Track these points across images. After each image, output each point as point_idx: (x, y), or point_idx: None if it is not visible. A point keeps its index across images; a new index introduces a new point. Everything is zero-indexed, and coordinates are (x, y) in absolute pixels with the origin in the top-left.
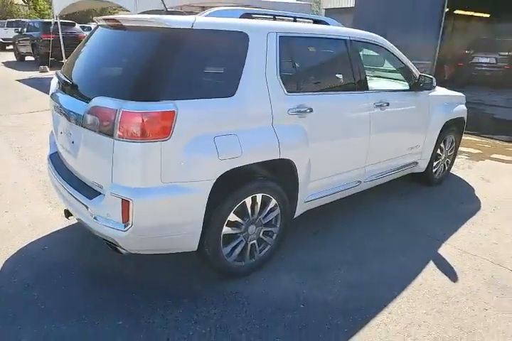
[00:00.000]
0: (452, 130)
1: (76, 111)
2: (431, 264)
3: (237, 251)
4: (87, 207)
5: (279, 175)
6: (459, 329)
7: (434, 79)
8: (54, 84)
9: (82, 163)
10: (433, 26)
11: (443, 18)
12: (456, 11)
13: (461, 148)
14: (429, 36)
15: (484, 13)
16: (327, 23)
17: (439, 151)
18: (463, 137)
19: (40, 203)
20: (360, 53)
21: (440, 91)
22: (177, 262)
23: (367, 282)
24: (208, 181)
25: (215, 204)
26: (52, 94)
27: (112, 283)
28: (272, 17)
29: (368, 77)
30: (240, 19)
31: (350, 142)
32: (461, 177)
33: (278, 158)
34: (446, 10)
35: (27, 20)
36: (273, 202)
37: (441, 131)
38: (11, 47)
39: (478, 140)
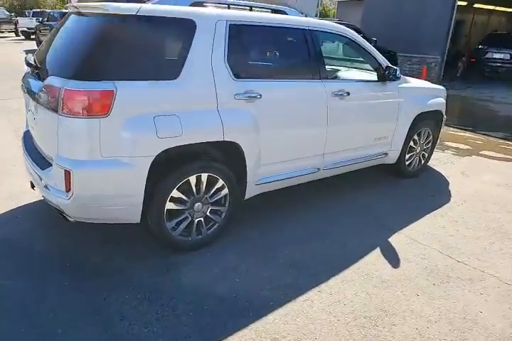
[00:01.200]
0: (427, 123)
1: (35, 90)
2: (376, 251)
3: (183, 226)
4: (40, 178)
5: (227, 156)
6: (382, 311)
7: (398, 70)
8: (26, 67)
9: (40, 138)
10: (444, 20)
11: (454, 12)
12: (476, 5)
13: (450, 144)
14: (439, 30)
15: (509, 7)
16: (286, 13)
17: (412, 144)
18: (457, 133)
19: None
20: (320, 43)
21: (414, 83)
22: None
23: (308, 262)
24: (147, 157)
25: (158, 179)
26: (23, 76)
27: (66, 248)
28: (227, 6)
29: (330, 67)
30: (188, 7)
31: (304, 129)
32: (440, 171)
33: (222, 140)
34: (464, 3)
35: (49, 10)
36: (220, 182)
37: (414, 123)
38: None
39: (471, 136)
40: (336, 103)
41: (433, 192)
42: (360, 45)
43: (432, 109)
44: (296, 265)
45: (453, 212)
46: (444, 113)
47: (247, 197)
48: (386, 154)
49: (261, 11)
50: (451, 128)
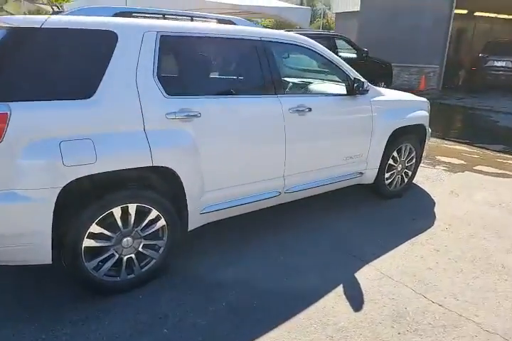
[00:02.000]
0: (408, 138)
1: None
2: (339, 289)
3: (108, 265)
4: None
5: (161, 184)
6: None
7: (365, 83)
8: None
9: None
10: (441, 29)
11: (451, 20)
12: (477, 13)
13: (442, 158)
14: (436, 39)
15: (511, 14)
16: (234, 23)
17: (391, 161)
18: (452, 146)
19: None
20: (275, 54)
21: (391, 95)
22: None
23: (256, 305)
24: (51, 189)
25: (71, 214)
26: None
27: None
28: (162, 16)
29: (292, 80)
30: (108, 18)
31: (257, 150)
32: (427, 190)
33: (150, 165)
34: (464, 12)
35: None
36: (154, 213)
37: (392, 140)
38: None
39: (467, 149)
40: (295, 120)
41: (416, 214)
42: (323, 56)
43: (412, 123)
44: (241, 309)
45: (435, 238)
46: (427, 127)
47: (191, 228)
48: (361, 174)
49: (205, 21)
50: (446, 141)
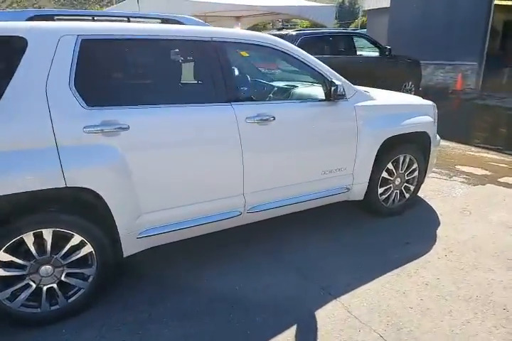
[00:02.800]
0: (407, 148)
1: None
2: (289, 331)
3: (24, 295)
4: None
5: (84, 206)
6: None
7: (339, 87)
8: None
9: None
10: (479, 22)
11: (491, 12)
12: None
13: (463, 168)
14: (474, 33)
15: None
16: (181, 23)
17: (386, 175)
18: (477, 154)
19: None
20: (229, 57)
21: (384, 99)
22: None
23: None
24: None
25: None
26: None
27: None
28: (91, 18)
29: (257, 85)
30: (19, 22)
31: (204, 166)
32: (434, 207)
33: (64, 186)
34: (504, 3)
35: None
36: (77, 238)
37: (385, 150)
38: None
39: (495, 157)
40: (255, 131)
41: (412, 237)
42: (296, 58)
43: (409, 131)
44: None
45: (428, 268)
46: (432, 134)
47: (129, 253)
48: (348, 189)
49: (146, 22)
50: (473, 148)
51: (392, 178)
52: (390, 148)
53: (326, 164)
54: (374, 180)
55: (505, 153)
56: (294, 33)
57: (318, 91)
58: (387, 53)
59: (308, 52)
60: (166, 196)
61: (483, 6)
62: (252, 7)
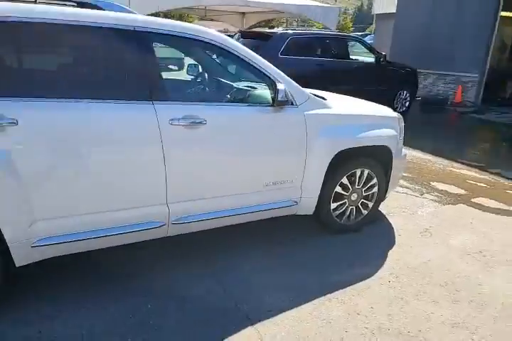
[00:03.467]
0: (365, 162)
1: None
2: None
3: None
4: None
5: None
6: None
7: (280, 91)
8: None
9: None
10: (483, 33)
11: (496, 24)
12: None
13: (438, 185)
14: (477, 46)
15: None
16: (100, 8)
17: (340, 189)
18: (459, 170)
19: None
20: (154, 49)
21: (340, 107)
22: None
23: None
24: None
25: None
26: None
27: None
28: None
29: (194, 84)
30: None
31: (114, 170)
32: (395, 225)
33: None
34: (511, 14)
35: None
36: None
37: (339, 163)
38: None
39: (476, 175)
40: (180, 134)
41: (359, 258)
42: (236, 55)
43: (367, 144)
44: None
45: (364, 296)
46: (394, 148)
47: (22, 263)
48: (296, 202)
49: (59, 5)
50: (455, 164)
51: (347, 193)
52: (344, 162)
53: (269, 175)
54: (326, 195)
55: (488, 172)
56: (282, 31)
57: (259, 95)
58: (381, 59)
59: (296, 53)
60: (66, 202)
61: (489, 17)
62: (246, 2)
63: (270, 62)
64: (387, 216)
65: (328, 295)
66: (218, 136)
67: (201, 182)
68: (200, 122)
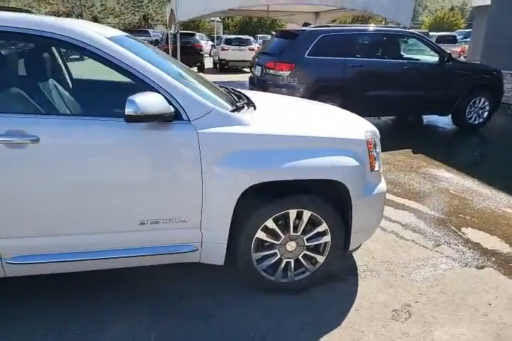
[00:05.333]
0: (301, 201)
1: None
2: None
3: None
4: None
5: None
6: None
7: (131, 103)
8: None
9: None
10: None
11: None
12: None
13: (470, 234)
14: None
15: None
16: None
17: (263, 236)
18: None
19: None
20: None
21: (264, 124)
22: None
23: None
24: None
25: None
26: None
27: None
28: None
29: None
30: None
31: None
32: (361, 292)
33: None
34: None
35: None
36: None
37: (258, 200)
38: None
39: None
40: (1, 154)
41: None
42: (98, 54)
43: (301, 177)
44: None
45: None
46: (352, 184)
47: None
48: (196, 249)
49: None
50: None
51: (276, 242)
52: (266, 200)
53: (145, 212)
54: (243, 242)
55: None
56: (313, 28)
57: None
58: (446, 59)
59: (328, 53)
60: None
61: None
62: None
63: (295, 64)
64: (359, 275)
65: None
66: (59, 158)
67: (36, 216)
68: (30, 140)
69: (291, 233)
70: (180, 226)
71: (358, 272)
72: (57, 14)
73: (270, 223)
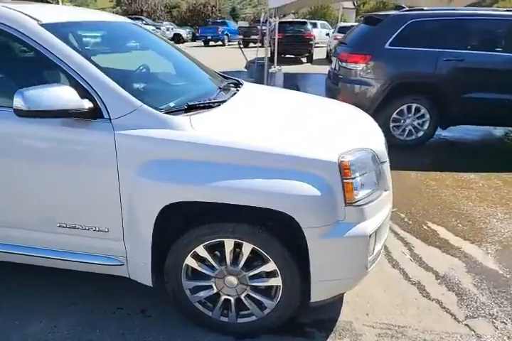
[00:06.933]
0: (241, 231)
1: None
2: None
3: None
4: None
5: None
6: None
7: (18, 94)
8: None
9: None
10: None
11: None
12: None
13: None
14: None
15: None
16: None
17: (194, 263)
18: None
19: None
20: None
21: (214, 129)
22: None
23: None
24: None
25: None
26: None
27: None
28: None
29: None
30: None
31: None
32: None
33: None
34: None
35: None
36: None
37: (183, 222)
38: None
39: None
40: None
41: None
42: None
43: (233, 201)
44: None
45: None
46: (302, 218)
47: None
48: (121, 263)
49: None
50: None
51: (211, 273)
52: (193, 222)
53: (64, 215)
54: (169, 266)
55: None
56: (401, 12)
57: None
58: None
59: (419, 44)
60: None
61: None
62: None
63: (371, 56)
64: (333, 333)
65: None
66: None
67: None
68: None
69: (230, 266)
70: (101, 236)
71: (334, 328)
72: None
73: (201, 250)
